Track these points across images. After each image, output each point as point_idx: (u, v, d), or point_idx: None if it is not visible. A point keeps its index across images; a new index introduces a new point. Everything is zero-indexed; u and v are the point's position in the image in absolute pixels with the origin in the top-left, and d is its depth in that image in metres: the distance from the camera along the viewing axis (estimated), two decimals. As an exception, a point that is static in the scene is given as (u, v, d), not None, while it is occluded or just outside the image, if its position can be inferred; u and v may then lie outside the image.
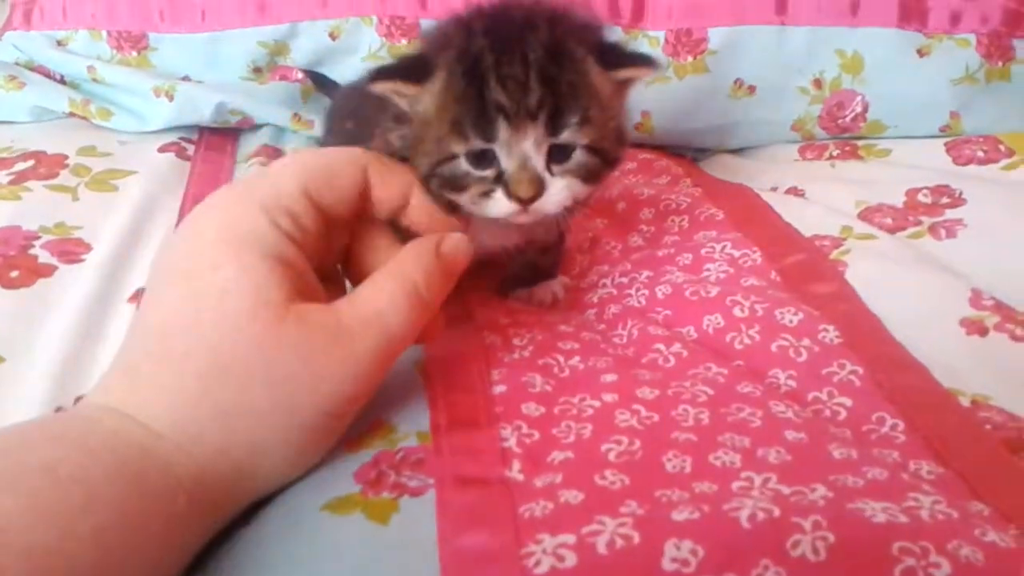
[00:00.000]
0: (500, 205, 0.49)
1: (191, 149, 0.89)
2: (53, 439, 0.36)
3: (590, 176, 0.50)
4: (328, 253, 0.47)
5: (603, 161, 0.50)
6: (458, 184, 0.49)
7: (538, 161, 0.48)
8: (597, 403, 0.47)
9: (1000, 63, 0.82)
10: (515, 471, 0.44)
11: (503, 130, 0.47)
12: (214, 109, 0.89)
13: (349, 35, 0.89)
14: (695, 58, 0.84)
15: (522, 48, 0.47)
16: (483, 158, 0.48)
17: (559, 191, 0.49)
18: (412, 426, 0.47)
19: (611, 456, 0.43)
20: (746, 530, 0.37)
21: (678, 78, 0.85)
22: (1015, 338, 0.51)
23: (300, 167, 0.44)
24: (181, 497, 0.37)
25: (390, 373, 0.45)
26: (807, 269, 0.59)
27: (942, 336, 0.52)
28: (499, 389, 0.49)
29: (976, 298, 0.54)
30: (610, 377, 0.49)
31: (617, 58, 0.51)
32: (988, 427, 0.46)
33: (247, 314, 0.39)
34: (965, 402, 0.47)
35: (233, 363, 0.38)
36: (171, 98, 0.89)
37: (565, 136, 0.48)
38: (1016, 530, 0.38)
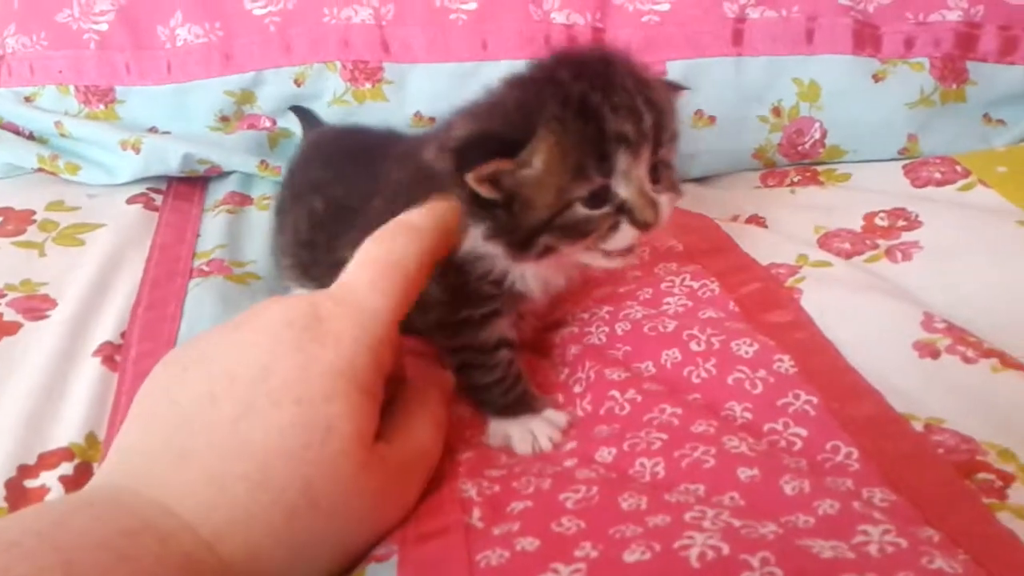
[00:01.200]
0: (625, 236, 0.50)
1: (159, 199, 0.89)
2: (126, 561, 0.35)
3: (676, 188, 0.52)
4: None
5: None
6: (580, 230, 0.49)
7: (648, 184, 0.49)
8: (558, 468, 0.49)
9: (954, 85, 0.83)
10: (475, 518, 0.44)
11: (623, 160, 0.48)
12: (181, 160, 0.90)
13: (314, 81, 0.90)
14: (655, 91, 0.85)
15: (618, 79, 0.48)
16: (597, 198, 0.48)
17: (667, 207, 0.50)
18: None
19: (569, 504, 0.44)
20: (696, 570, 0.37)
21: (639, 111, 0.86)
22: (967, 360, 0.51)
23: (396, 285, 0.46)
24: None
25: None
26: (763, 298, 0.60)
27: (896, 360, 0.52)
28: (465, 455, 0.51)
29: (928, 321, 0.54)
30: (570, 445, 0.51)
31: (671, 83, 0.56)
32: (941, 451, 0.46)
33: (346, 455, 0.40)
34: (918, 426, 0.48)
35: (322, 501, 0.40)
36: (138, 151, 0.90)
37: (662, 153, 0.50)
38: (965, 555, 0.39)
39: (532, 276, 0.54)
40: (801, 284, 0.60)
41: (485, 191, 0.48)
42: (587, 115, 0.47)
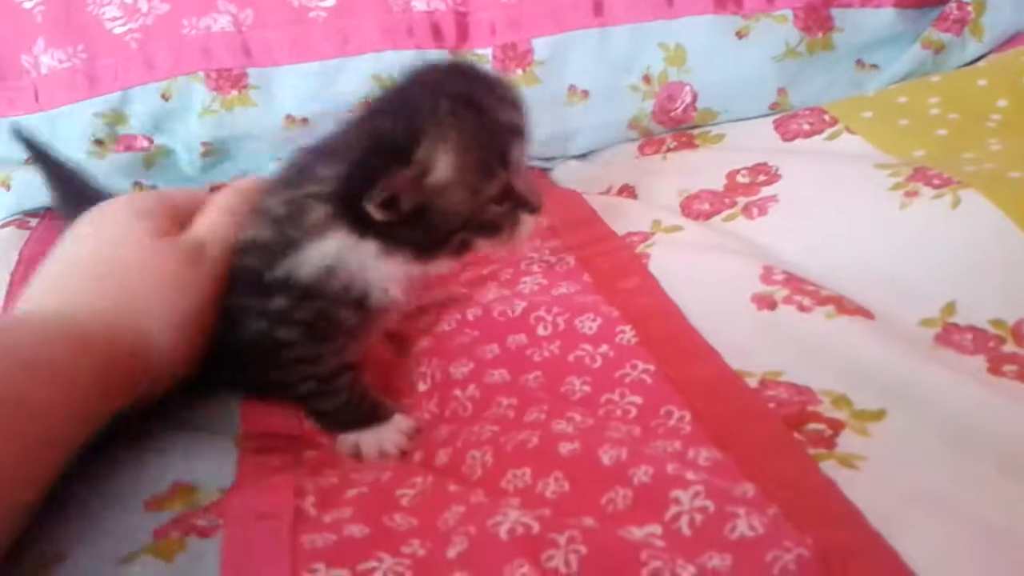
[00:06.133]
0: (527, 225, 0.51)
1: (34, 222, 0.88)
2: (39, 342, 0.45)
3: None
4: None
5: None
6: (493, 227, 0.50)
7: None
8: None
9: (820, 34, 0.82)
10: (308, 504, 0.44)
11: (515, 150, 0.49)
12: (53, 189, 0.88)
13: (181, 94, 0.88)
14: (524, 70, 0.84)
15: (487, 75, 0.51)
16: (501, 195, 0.49)
17: None
18: (215, 483, 0.46)
19: (404, 501, 0.43)
20: (503, 542, 0.37)
21: (511, 93, 0.84)
22: (802, 309, 0.51)
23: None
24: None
25: (202, 444, 0.49)
26: (614, 267, 0.59)
27: (735, 316, 0.52)
28: (309, 453, 0.50)
29: (767, 274, 0.54)
30: (418, 455, 0.50)
31: None
32: (772, 405, 0.46)
33: (126, 227, 0.51)
34: (753, 383, 0.47)
35: (118, 266, 0.50)
36: (8, 187, 0.88)
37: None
38: (776, 509, 0.38)
39: (396, 285, 0.52)
40: (650, 249, 0.60)
41: (382, 215, 0.46)
42: (478, 109, 0.47)
